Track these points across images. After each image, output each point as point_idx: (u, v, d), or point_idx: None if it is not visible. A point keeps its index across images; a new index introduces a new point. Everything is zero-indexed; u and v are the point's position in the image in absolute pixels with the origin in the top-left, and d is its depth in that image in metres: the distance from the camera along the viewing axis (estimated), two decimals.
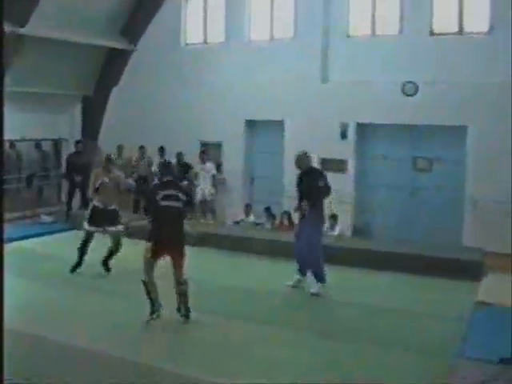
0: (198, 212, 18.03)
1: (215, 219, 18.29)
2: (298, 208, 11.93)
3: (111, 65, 21.76)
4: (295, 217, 16.24)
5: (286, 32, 18.87)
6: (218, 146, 19.55)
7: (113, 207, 12.84)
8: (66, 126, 21.98)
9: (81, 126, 22.22)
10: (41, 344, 8.73)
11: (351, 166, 17.78)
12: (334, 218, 16.12)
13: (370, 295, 11.57)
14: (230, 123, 19.33)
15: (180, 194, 9.90)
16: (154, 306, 9.80)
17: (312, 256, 11.77)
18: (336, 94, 17.58)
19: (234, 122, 19.31)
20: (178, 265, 9.77)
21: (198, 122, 19.85)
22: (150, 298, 9.79)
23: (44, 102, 20.64)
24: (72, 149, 19.43)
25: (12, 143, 20.85)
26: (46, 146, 22.09)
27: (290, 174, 17.27)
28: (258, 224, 17.57)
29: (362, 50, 17.48)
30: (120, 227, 12.78)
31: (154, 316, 9.79)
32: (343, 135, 17.61)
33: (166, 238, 9.70)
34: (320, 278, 11.76)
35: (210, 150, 19.17)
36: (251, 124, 19.54)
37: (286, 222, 16.99)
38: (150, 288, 9.75)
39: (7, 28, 16.75)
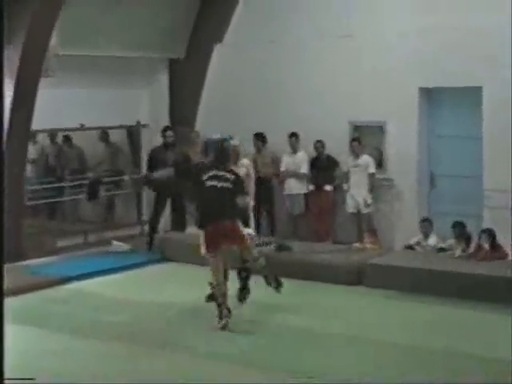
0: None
1: (376, 242, 15.46)
2: None
3: (210, 14, 18.95)
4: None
5: None
6: (379, 129, 16.63)
7: None
8: (146, 105, 19.45)
9: (168, 104, 19.63)
10: None
11: None
12: None
13: None
14: (395, 95, 16.15)
15: (228, 174, 10.95)
16: (222, 311, 10.63)
17: None
18: None
19: (402, 93, 16.18)
20: (242, 248, 10.96)
21: (345, 96, 16.81)
22: (218, 303, 10.66)
23: (112, 70, 18.14)
24: (158, 140, 17.21)
25: (67, 137, 18.64)
26: (117, 137, 19.42)
27: (495, 170, 15.65)
28: (442, 249, 15.10)
29: None
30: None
31: (223, 322, 10.60)
32: None
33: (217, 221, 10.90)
34: None
35: (365, 137, 16.62)
36: (428, 93, 16.46)
37: (486, 245, 13.99)
38: (216, 292, 10.69)
39: None
